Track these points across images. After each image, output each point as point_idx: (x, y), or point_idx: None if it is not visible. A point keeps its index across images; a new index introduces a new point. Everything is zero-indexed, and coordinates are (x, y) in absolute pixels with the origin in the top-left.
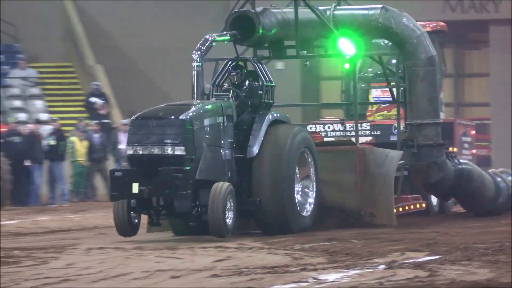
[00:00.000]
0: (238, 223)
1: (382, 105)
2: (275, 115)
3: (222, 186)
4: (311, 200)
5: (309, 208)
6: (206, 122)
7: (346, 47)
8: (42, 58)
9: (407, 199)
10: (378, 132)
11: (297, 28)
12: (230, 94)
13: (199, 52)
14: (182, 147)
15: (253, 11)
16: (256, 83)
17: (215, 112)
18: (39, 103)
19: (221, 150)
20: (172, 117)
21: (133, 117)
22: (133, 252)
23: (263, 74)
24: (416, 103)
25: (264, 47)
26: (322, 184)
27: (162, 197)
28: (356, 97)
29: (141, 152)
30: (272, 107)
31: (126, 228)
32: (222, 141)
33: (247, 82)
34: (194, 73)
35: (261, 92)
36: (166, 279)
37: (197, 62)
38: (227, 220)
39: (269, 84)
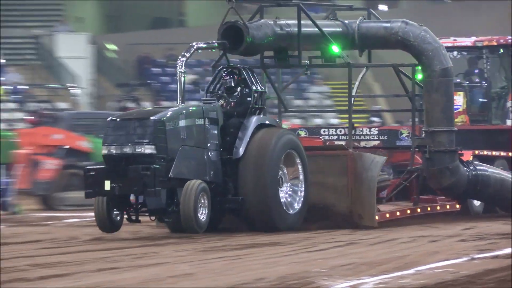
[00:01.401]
0: (225, 219)
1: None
2: (261, 119)
3: (194, 184)
4: (299, 198)
5: (297, 206)
6: (182, 123)
7: (334, 48)
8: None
9: (434, 200)
10: (385, 137)
11: (299, 39)
12: (220, 99)
13: (183, 59)
14: (152, 146)
15: (241, 22)
16: (246, 89)
17: (195, 115)
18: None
19: (203, 151)
20: (144, 118)
21: (109, 119)
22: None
23: (252, 81)
24: (431, 111)
25: (270, 56)
26: (315, 186)
27: (131, 194)
28: (350, 104)
29: (114, 152)
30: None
31: (106, 224)
32: (205, 142)
33: (239, 88)
34: (179, 78)
35: (250, 98)
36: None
37: (181, 68)
38: (200, 217)
39: (258, 90)
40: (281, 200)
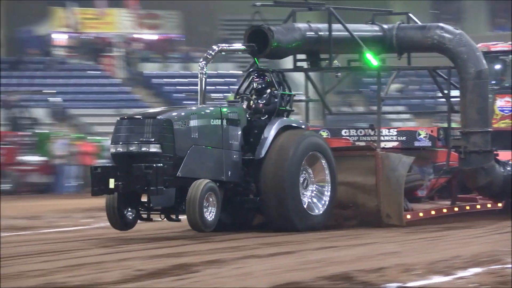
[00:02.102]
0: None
1: (505, 114)
2: (285, 120)
3: (201, 184)
4: (325, 200)
5: (322, 208)
6: (194, 123)
7: (372, 60)
8: None
9: (474, 199)
10: (404, 138)
11: (331, 43)
12: (245, 101)
13: (205, 61)
14: (158, 145)
15: (266, 26)
16: (275, 91)
17: (210, 115)
18: None
19: (219, 151)
20: (151, 117)
21: (118, 118)
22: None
23: (279, 84)
24: (466, 113)
25: (302, 59)
26: (345, 186)
27: (135, 191)
28: (379, 106)
29: (121, 150)
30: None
31: (117, 222)
32: (222, 143)
33: (268, 90)
34: (200, 79)
35: (277, 100)
36: None
37: (202, 69)
38: (207, 216)
39: (285, 92)
40: (305, 201)
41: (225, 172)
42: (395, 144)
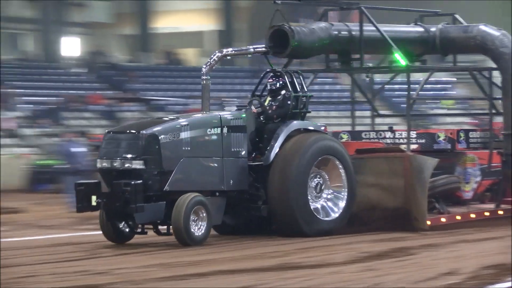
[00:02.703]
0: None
1: None
2: (298, 124)
3: (187, 198)
4: (342, 204)
5: (336, 212)
6: (186, 135)
7: (401, 60)
8: None
9: None
10: (423, 140)
11: (361, 43)
12: (261, 104)
13: (207, 67)
14: (141, 161)
15: (287, 25)
16: (288, 93)
17: (206, 125)
18: None
19: (218, 160)
20: (135, 132)
21: (106, 131)
22: None
23: (294, 85)
24: (508, 114)
25: (334, 59)
26: (373, 187)
27: (116, 209)
28: (408, 107)
29: (106, 166)
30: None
31: (111, 234)
32: (223, 151)
33: (282, 92)
34: (203, 86)
35: (290, 102)
36: None
37: (205, 75)
38: (195, 231)
39: (299, 94)
40: (317, 206)
41: (226, 181)
42: (414, 146)
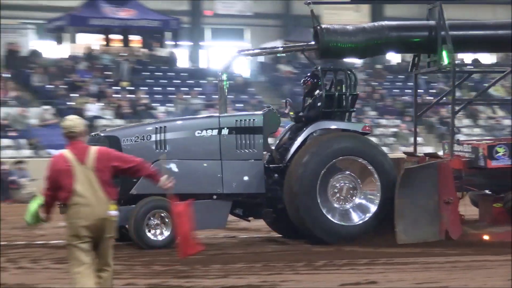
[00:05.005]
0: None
1: None
2: (322, 124)
3: (143, 203)
4: (371, 210)
5: (361, 218)
6: (160, 137)
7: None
8: None
9: None
10: (473, 156)
11: (438, 41)
12: (290, 105)
13: (222, 68)
14: None
15: (318, 24)
16: (320, 93)
17: (192, 127)
18: None
19: (215, 162)
20: (94, 134)
21: (91, 134)
22: None
23: (340, 84)
24: None
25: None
26: (409, 196)
27: None
28: (453, 110)
29: None
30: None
31: None
32: (221, 153)
33: (317, 92)
34: (219, 87)
35: (320, 103)
36: None
37: (220, 76)
38: (151, 235)
39: (330, 93)
40: (333, 210)
41: (226, 184)
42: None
